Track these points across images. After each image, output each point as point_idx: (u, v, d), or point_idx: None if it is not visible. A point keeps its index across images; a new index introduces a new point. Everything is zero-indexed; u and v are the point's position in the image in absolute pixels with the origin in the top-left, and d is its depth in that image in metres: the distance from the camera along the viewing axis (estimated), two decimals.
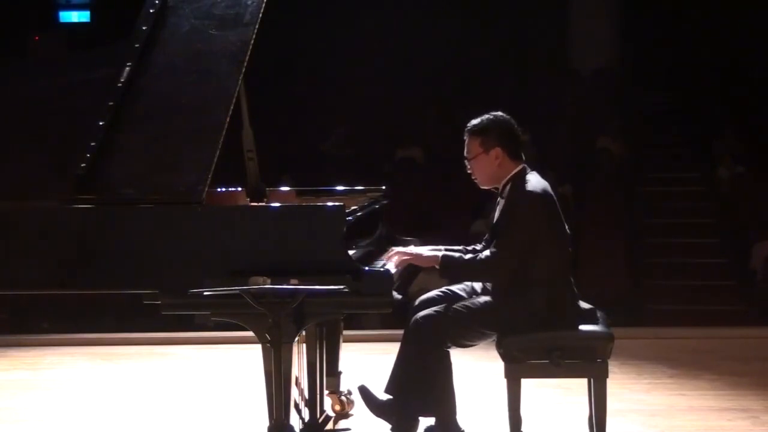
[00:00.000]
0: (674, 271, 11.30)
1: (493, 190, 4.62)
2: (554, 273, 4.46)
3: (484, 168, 4.56)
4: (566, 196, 11.99)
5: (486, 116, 4.59)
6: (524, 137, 4.74)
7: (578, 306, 4.55)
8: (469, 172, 4.61)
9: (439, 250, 4.68)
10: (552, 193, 4.51)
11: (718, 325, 8.91)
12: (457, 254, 4.54)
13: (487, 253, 4.43)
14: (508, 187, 4.52)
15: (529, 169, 4.55)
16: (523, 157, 4.59)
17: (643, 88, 15.40)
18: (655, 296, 10.88)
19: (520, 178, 4.50)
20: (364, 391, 4.64)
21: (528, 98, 14.46)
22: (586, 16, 15.33)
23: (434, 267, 4.52)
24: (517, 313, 4.40)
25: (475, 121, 4.59)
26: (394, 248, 4.71)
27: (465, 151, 4.59)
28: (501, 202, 4.55)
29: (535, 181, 4.48)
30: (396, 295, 4.23)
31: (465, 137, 4.59)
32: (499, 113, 4.61)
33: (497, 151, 4.52)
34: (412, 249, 4.69)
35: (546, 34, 15.75)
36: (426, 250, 4.64)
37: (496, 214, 4.57)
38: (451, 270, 4.51)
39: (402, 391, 4.51)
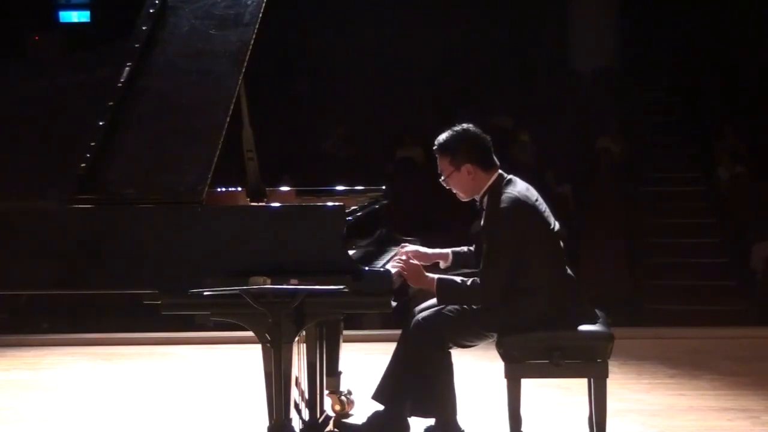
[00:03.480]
0: (674, 271, 11.30)
1: (475, 199, 4.61)
2: (550, 273, 4.45)
3: (459, 184, 4.53)
4: (566, 196, 12.00)
5: (450, 132, 4.52)
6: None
7: (579, 304, 4.55)
8: (447, 188, 4.59)
9: (447, 255, 4.73)
10: (530, 195, 4.45)
11: (718, 325, 8.90)
12: (450, 278, 4.49)
13: (476, 279, 4.40)
14: (486, 199, 4.50)
15: (505, 175, 4.51)
16: (497, 163, 4.54)
17: (643, 88, 15.42)
18: (655, 296, 10.88)
19: (497, 189, 4.46)
20: (343, 427, 4.69)
21: (528, 98, 14.46)
22: (585, 16, 15.35)
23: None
24: (516, 315, 4.39)
25: (440, 139, 4.53)
26: (406, 245, 4.75)
27: (438, 169, 4.57)
28: (483, 212, 4.53)
29: (511, 192, 4.42)
30: (393, 303, 4.20)
31: (435, 155, 4.56)
32: (463, 126, 4.53)
33: (468, 167, 4.48)
34: (421, 249, 4.73)
35: (546, 34, 15.77)
36: (432, 253, 4.72)
37: (482, 223, 4.55)
38: (446, 294, 4.45)
39: (394, 395, 4.51)
